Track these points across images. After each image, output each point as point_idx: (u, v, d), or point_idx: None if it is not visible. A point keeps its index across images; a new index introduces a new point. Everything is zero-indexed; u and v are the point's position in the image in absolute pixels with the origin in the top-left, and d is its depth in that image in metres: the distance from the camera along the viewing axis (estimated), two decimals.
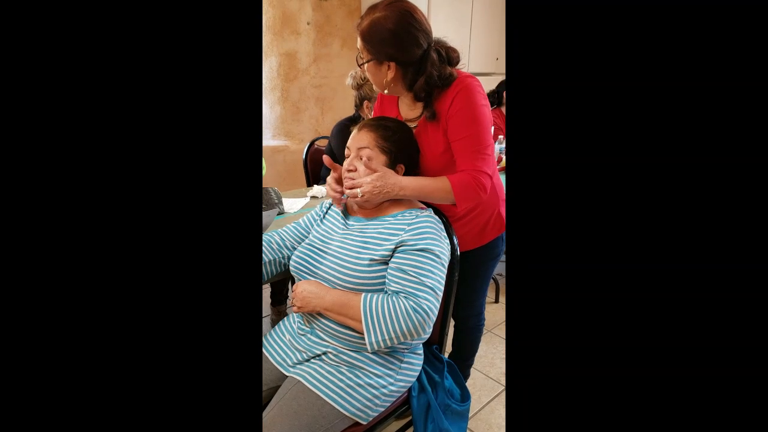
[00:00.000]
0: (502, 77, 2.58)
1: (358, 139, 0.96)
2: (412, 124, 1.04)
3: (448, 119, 0.96)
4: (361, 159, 0.93)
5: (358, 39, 0.95)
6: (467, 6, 2.84)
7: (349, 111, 2.03)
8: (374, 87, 1.01)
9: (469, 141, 0.94)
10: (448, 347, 1.40)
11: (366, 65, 0.96)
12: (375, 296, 0.84)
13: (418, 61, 0.94)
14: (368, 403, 0.87)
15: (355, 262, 0.89)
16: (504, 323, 2.07)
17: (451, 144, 0.97)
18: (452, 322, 1.22)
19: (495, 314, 2.15)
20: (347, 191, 0.92)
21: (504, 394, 1.59)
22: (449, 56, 0.98)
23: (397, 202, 0.98)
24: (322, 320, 0.91)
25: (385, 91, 1.00)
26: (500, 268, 2.63)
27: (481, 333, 1.36)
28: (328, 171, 2.00)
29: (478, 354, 1.82)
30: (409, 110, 1.05)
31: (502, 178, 1.96)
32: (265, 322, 1.99)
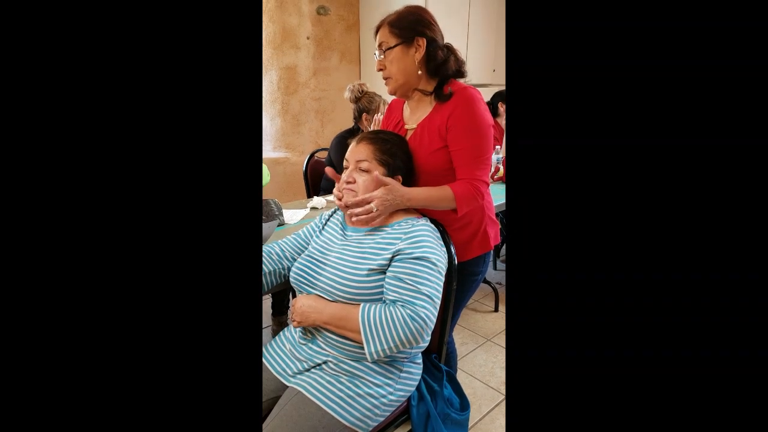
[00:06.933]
0: (499, 88, 2.61)
1: (357, 152, 0.98)
2: (411, 126, 1.10)
3: (448, 128, 1.01)
4: (361, 171, 0.96)
5: (382, 31, 1.03)
6: (464, 19, 2.89)
7: (349, 123, 2.06)
8: (396, 81, 1.05)
9: (470, 151, 1.00)
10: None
11: (393, 50, 1.02)
12: (373, 306, 0.85)
13: (442, 46, 1.04)
14: (368, 413, 0.87)
15: (354, 272, 0.90)
16: (503, 332, 2.07)
17: (452, 152, 1.02)
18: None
19: (494, 323, 2.15)
20: (356, 215, 0.92)
21: (504, 403, 1.59)
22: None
23: (394, 212, 1.00)
24: (323, 330, 0.92)
25: (400, 92, 1.07)
26: (500, 277, 2.63)
27: (455, 362, 1.28)
28: (327, 182, 2.04)
29: (478, 363, 1.82)
30: (411, 115, 1.12)
31: (500, 191, 1.98)
32: (266, 332, 1.99)
